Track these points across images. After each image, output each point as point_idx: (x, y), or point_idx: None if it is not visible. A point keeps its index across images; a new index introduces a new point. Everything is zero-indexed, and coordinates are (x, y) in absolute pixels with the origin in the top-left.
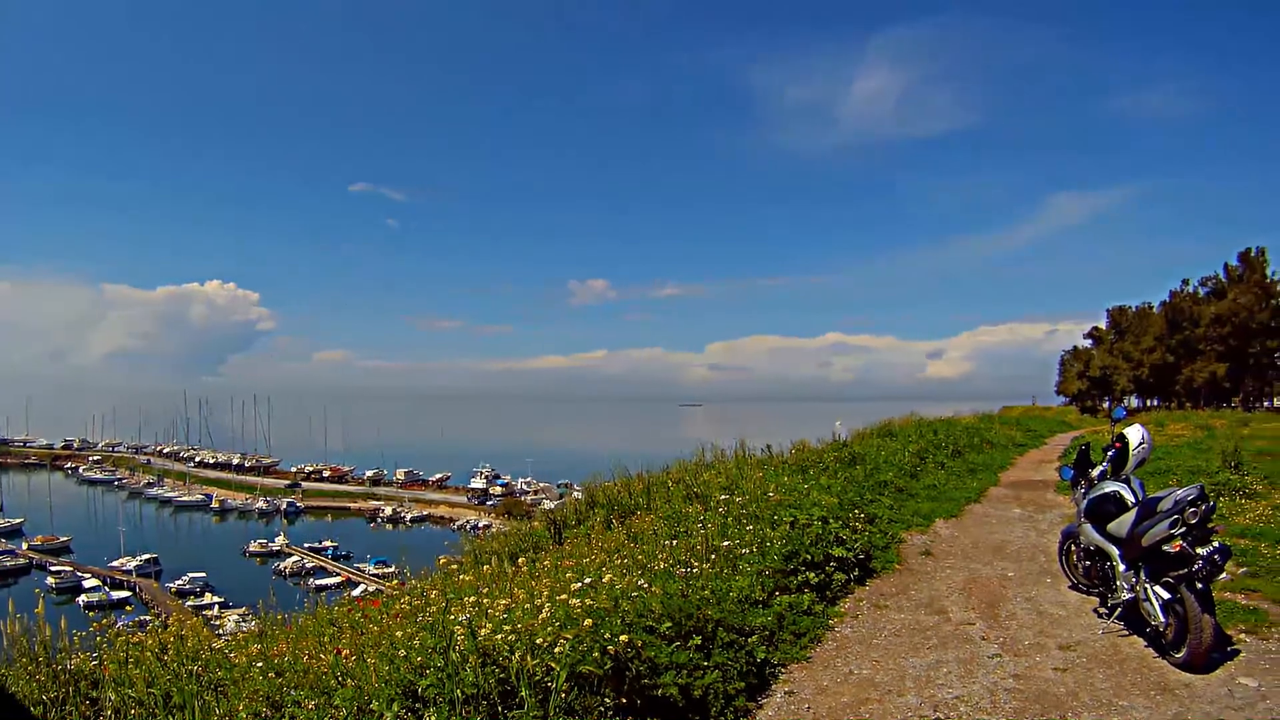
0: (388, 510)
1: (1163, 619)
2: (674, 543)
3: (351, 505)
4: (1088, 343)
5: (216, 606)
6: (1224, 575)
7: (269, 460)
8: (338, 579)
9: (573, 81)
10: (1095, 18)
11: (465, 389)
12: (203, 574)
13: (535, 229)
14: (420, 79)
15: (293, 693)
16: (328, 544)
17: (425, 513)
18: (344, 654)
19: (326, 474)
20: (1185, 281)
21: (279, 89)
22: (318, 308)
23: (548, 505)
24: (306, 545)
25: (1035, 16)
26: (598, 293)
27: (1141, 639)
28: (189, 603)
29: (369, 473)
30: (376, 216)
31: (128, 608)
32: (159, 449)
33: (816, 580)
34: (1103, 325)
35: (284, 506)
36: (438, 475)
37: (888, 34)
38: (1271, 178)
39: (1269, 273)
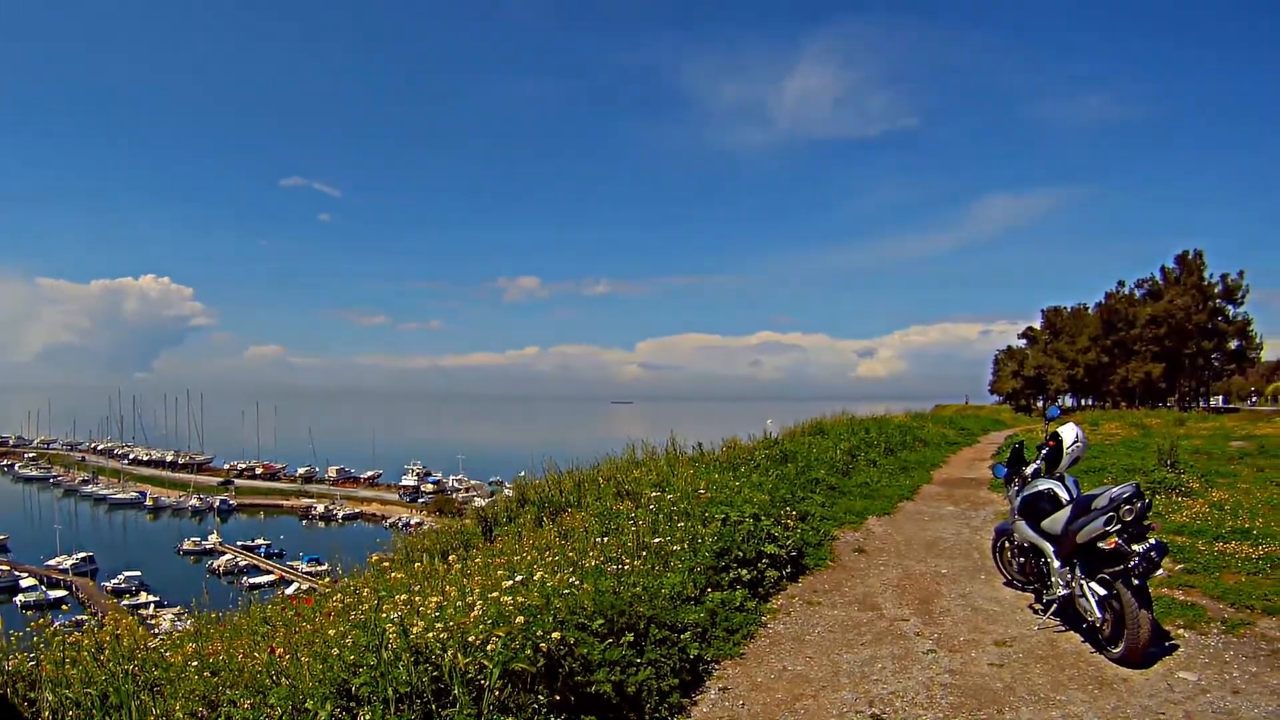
0: (320, 508)
1: (1099, 615)
2: (605, 540)
3: (284, 503)
4: (1022, 342)
5: (152, 606)
6: (1161, 572)
7: (202, 457)
8: (271, 577)
9: (506, 78)
10: (1031, 24)
11: (397, 385)
12: (138, 573)
13: (468, 225)
14: (353, 74)
15: (228, 692)
16: (260, 542)
17: (357, 510)
18: (278, 653)
19: (259, 471)
20: (1121, 283)
21: (211, 83)
22: (251, 303)
23: (479, 503)
24: (239, 543)
25: (972, 21)
26: (529, 290)
27: (1078, 635)
28: (124, 602)
29: (301, 470)
30: (309, 211)
31: (64, 607)
32: (93, 445)
33: (749, 577)
34: (1037, 325)
35: (217, 504)
36: (369, 473)
37: (825, 34)
38: (1206, 183)
39: (1206, 275)
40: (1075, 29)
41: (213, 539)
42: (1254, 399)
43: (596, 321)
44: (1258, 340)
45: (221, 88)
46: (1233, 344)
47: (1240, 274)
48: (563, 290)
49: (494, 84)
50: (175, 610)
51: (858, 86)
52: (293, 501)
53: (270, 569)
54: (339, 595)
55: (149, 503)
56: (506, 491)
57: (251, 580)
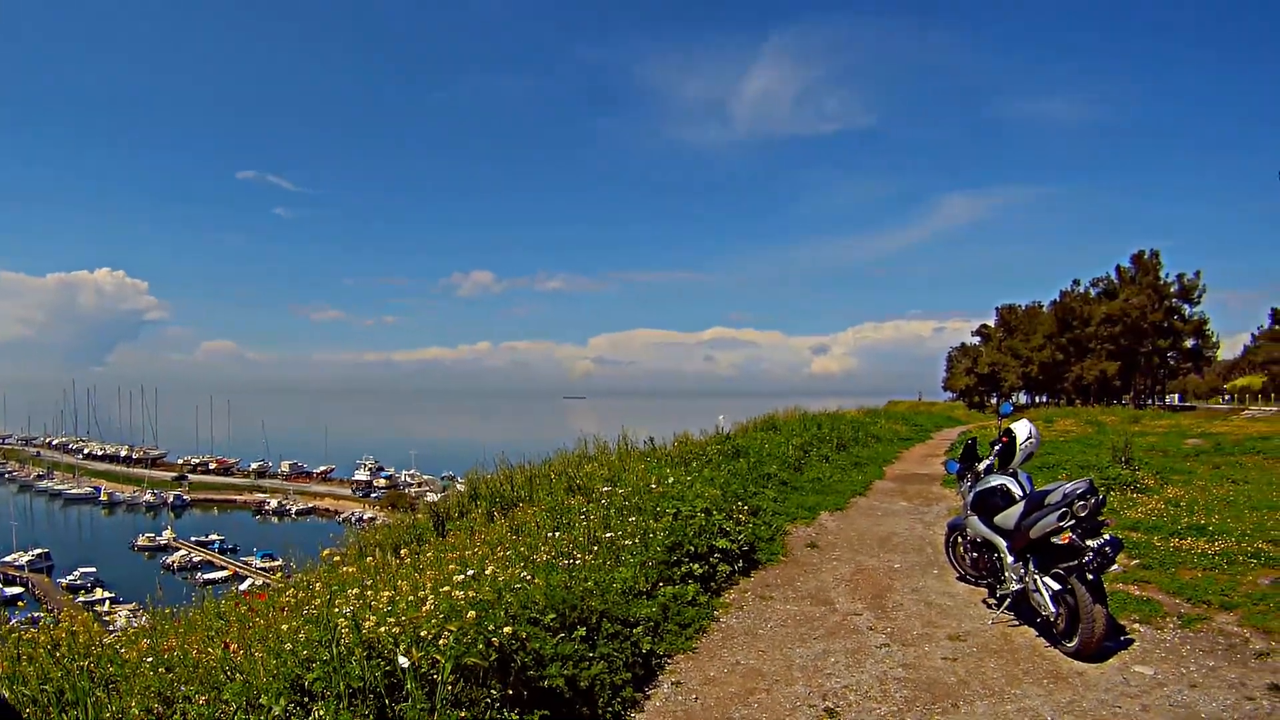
0: (273, 503)
1: (1053, 609)
2: (557, 535)
3: (237, 498)
4: (976, 340)
5: (107, 602)
6: (1116, 567)
7: (156, 452)
8: (225, 573)
9: (465, 72)
10: (993, 24)
11: (350, 380)
12: (93, 569)
13: (422, 219)
14: (310, 66)
15: (183, 688)
16: (214, 537)
17: (310, 505)
18: (232, 648)
19: (213, 466)
20: (1076, 282)
21: (167, 73)
22: (206, 298)
23: (431, 497)
24: (193, 539)
25: (934, 21)
26: (483, 285)
27: (1032, 629)
28: (80, 598)
29: (254, 465)
30: (265, 205)
31: (20, 604)
32: (48, 440)
33: (700, 571)
34: (992, 323)
35: (171, 500)
36: (322, 467)
37: (786, 32)
38: (1161, 186)
39: (1162, 274)
40: (1039, 30)
41: (167, 534)
42: (1227, 396)
43: (550, 317)
44: (1214, 339)
45: (177, 77)
46: (1189, 342)
47: (1197, 274)
48: (517, 285)
49: (454, 78)
50: (130, 606)
51: (817, 85)
52: (246, 497)
53: (224, 564)
54: (292, 590)
55: (103, 498)
56: (459, 486)
57: (206, 576)
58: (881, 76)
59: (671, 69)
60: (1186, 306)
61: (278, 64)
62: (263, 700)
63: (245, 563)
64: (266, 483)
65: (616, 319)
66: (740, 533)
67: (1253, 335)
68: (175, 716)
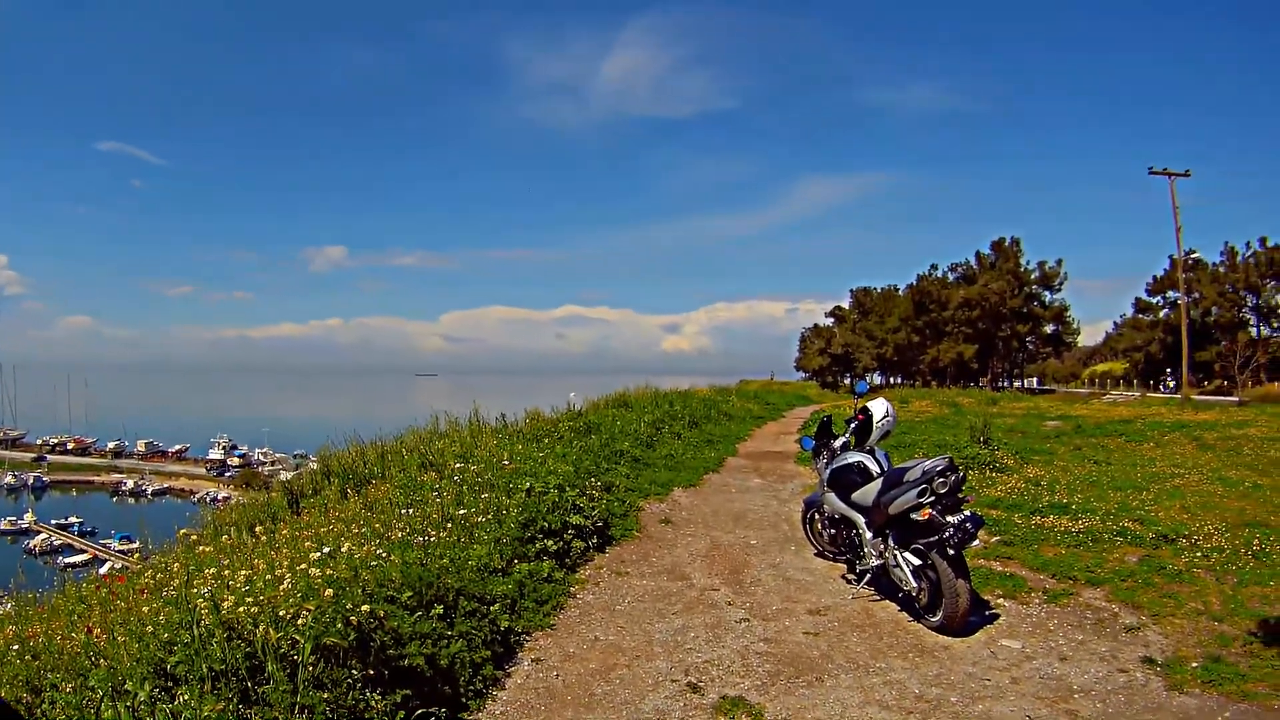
0: (130, 483)
1: (915, 584)
2: (410, 512)
3: (95, 478)
4: (829, 321)
5: None
6: (977, 543)
7: (15, 433)
8: (85, 556)
9: (313, 43)
10: (854, 11)
11: (204, 356)
12: None
13: (274, 192)
14: (170, 32)
15: (50, 675)
16: (73, 520)
17: (166, 485)
18: (95, 633)
19: (70, 446)
20: (934, 266)
21: (27, 39)
22: (64, 272)
23: (284, 476)
24: (53, 521)
25: (798, 7)
26: (335, 260)
27: (894, 604)
28: None
29: (111, 444)
30: (123, 176)
31: None
32: None
33: (555, 548)
34: (846, 305)
35: (31, 481)
36: (177, 446)
37: (647, 14)
38: (1023, 175)
39: (1023, 261)
40: (899, 17)
41: (28, 518)
42: (1089, 381)
43: (401, 293)
44: (1075, 325)
45: (38, 41)
46: (1049, 328)
47: (1059, 262)
48: (369, 261)
49: (299, 51)
50: None
51: (677, 67)
52: (103, 477)
53: (84, 548)
54: (151, 572)
55: None
56: (311, 464)
57: (67, 560)
58: (742, 61)
59: (528, 48)
60: (1047, 293)
61: (137, 29)
62: (128, 686)
63: (104, 545)
64: (123, 463)
65: (468, 296)
66: (594, 509)
67: (1115, 323)
68: (44, 704)
